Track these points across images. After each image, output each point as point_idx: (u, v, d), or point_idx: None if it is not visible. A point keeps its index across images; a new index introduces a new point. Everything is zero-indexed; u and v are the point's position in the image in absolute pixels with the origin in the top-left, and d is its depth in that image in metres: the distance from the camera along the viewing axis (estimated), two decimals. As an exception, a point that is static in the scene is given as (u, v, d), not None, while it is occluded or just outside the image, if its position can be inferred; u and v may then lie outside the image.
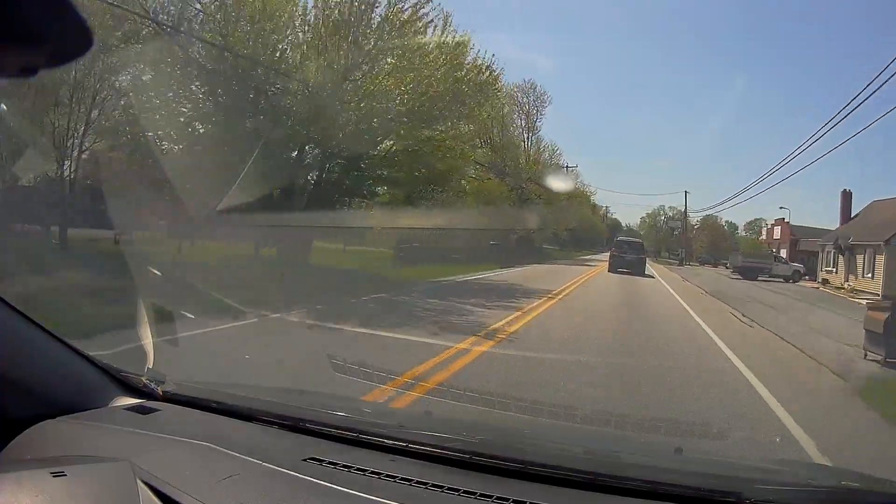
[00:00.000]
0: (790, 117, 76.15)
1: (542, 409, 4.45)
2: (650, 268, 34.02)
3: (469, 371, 6.44)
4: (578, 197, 55.48)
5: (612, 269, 29.18)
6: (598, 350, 8.71)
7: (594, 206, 76.28)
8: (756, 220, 69.57)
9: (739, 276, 36.70)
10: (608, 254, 35.16)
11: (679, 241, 78.05)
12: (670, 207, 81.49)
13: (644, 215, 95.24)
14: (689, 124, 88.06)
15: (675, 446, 2.40)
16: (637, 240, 38.21)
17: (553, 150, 49.87)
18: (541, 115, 47.05)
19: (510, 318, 11.06)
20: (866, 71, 59.03)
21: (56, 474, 1.44)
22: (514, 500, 1.58)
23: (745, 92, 72.74)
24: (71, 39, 1.06)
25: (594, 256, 54.18)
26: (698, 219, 68.43)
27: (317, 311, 10.10)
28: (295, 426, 2.05)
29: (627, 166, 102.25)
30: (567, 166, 51.15)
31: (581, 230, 61.63)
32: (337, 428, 2.01)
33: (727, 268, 43.85)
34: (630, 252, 30.63)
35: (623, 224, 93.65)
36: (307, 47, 16.56)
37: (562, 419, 4.37)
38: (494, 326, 9.90)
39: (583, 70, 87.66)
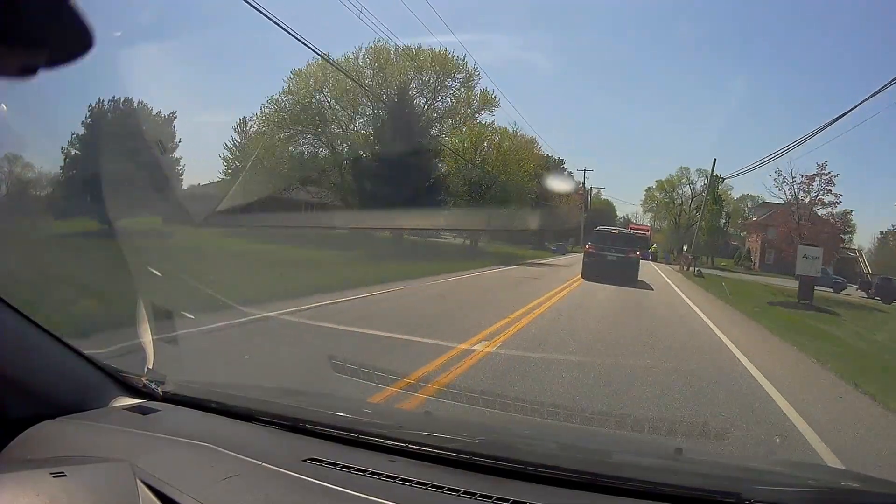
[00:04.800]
0: (790, 114, 74.36)
1: (542, 409, 4.44)
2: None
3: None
4: (481, 133, 33.03)
5: (587, 275, 19.95)
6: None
7: (552, 162, 46.32)
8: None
9: None
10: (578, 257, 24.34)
11: (723, 229, 46.39)
12: (698, 171, 54.16)
13: (652, 185, 61.10)
14: (691, 121, 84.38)
15: (675, 447, 2.40)
16: (626, 230, 26.50)
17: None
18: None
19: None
20: (868, 69, 58.05)
21: (56, 474, 1.44)
22: (513, 501, 1.58)
23: (746, 89, 71.02)
24: (71, 40, 1.07)
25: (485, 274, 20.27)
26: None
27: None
28: (295, 426, 2.05)
29: (629, 165, 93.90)
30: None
31: (519, 208, 34.09)
32: (337, 428, 2.01)
33: None
34: (615, 249, 20.58)
35: (619, 215, 64.76)
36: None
37: (562, 420, 4.37)
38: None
39: (582, 68, 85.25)
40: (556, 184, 41.75)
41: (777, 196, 25.83)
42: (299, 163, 31.00)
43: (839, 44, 68.47)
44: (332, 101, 31.77)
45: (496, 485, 1.67)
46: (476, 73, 33.57)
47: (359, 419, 2.19)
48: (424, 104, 33.38)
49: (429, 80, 33.13)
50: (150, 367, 2.61)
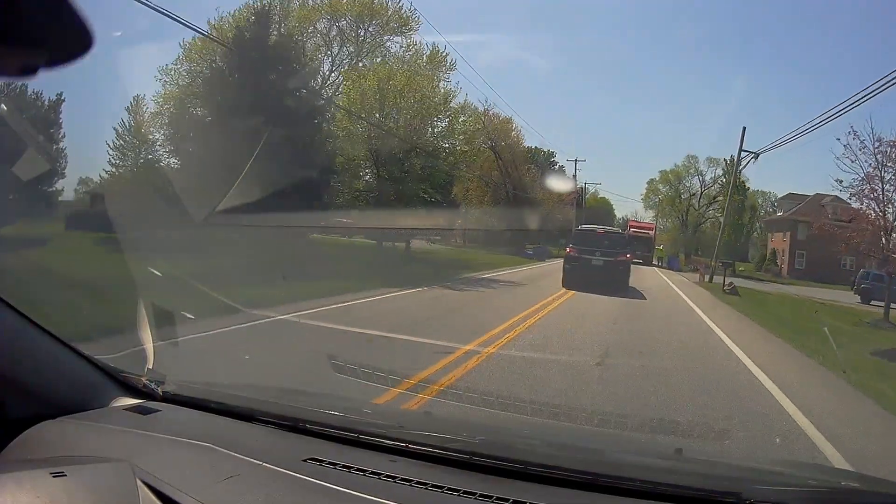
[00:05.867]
0: (790, 114, 73.46)
1: (542, 409, 4.44)
2: None
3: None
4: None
5: (568, 282, 16.94)
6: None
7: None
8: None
9: None
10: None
11: (746, 227, 39.83)
12: (708, 160, 49.13)
13: (655, 176, 54.44)
14: (691, 121, 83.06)
15: (676, 447, 2.40)
16: (614, 230, 23.00)
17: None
18: None
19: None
20: (868, 68, 57.52)
21: (56, 474, 1.44)
22: (513, 501, 1.58)
23: (746, 89, 70.34)
24: (71, 39, 1.07)
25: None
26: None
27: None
28: (295, 426, 2.05)
29: (630, 166, 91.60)
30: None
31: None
32: (337, 428, 2.01)
33: None
34: (601, 252, 17.38)
35: (619, 215, 59.91)
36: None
37: (562, 419, 4.36)
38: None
39: (582, 67, 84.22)
40: (546, 179, 37.23)
41: (849, 170, 18.17)
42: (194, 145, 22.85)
43: (839, 44, 68.42)
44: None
45: (496, 485, 1.67)
46: (414, 17, 25.52)
47: (359, 419, 2.19)
48: (345, 60, 25.78)
49: (347, 28, 25.13)
50: (150, 367, 2.61)
